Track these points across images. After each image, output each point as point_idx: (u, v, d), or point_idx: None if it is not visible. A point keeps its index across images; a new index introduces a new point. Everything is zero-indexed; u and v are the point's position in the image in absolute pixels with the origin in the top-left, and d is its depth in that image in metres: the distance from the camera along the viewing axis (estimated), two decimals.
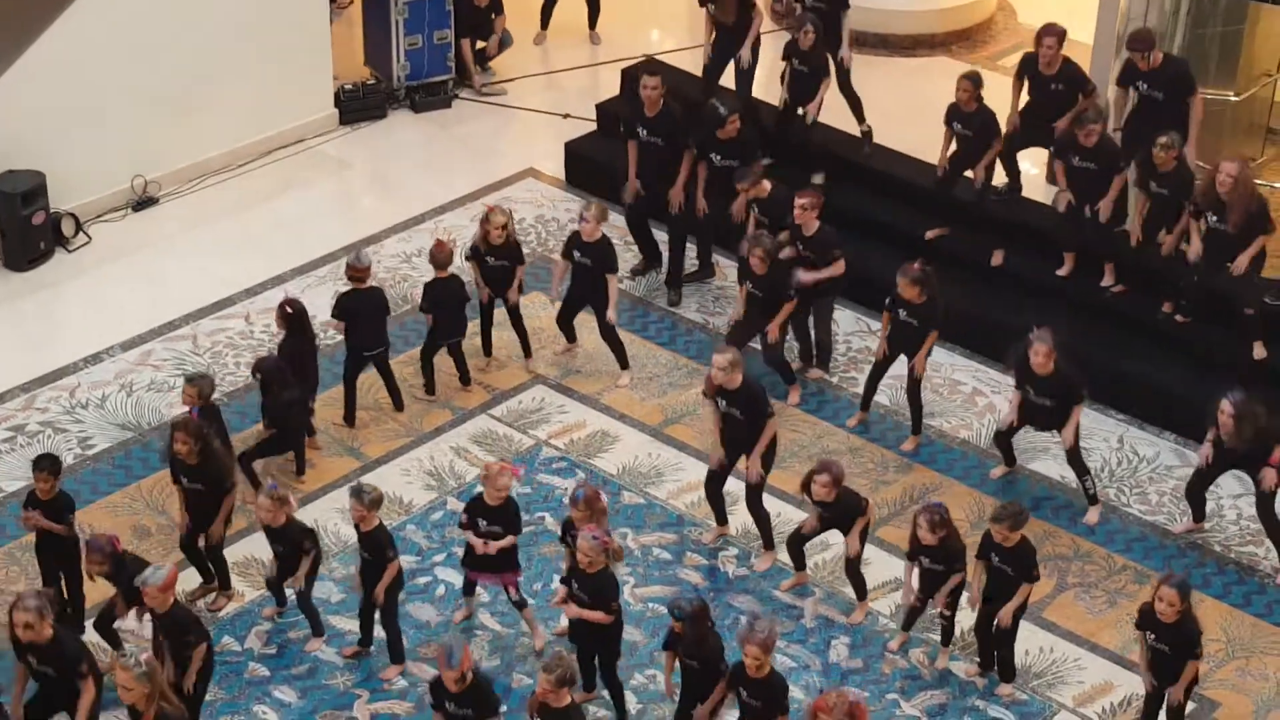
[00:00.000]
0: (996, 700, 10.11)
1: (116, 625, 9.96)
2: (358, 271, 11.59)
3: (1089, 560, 11.04)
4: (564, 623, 10.09)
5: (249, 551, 10.79)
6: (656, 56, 15.20)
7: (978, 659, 10.24)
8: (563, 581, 9.83)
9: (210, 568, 10.53)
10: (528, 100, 15.66)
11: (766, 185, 12.29)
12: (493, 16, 15.55)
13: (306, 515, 10.88)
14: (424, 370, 12.11)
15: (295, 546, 10.05)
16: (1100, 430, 12.02)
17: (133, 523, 11.06)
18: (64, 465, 10.40)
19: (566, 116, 15.23)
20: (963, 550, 10.02)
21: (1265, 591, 10.86)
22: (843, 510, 10.34)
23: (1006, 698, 10.11)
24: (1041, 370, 10.90)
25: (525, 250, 12.50)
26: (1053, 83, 12.60)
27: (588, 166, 14.39)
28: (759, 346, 12.11)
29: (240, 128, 14.55)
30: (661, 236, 13.28)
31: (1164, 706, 9.65)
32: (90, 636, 9.89)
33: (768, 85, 13.92)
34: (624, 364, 12.39)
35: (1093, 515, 11.29)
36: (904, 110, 14.19)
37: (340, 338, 11.89)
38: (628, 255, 13.29)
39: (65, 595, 10.10)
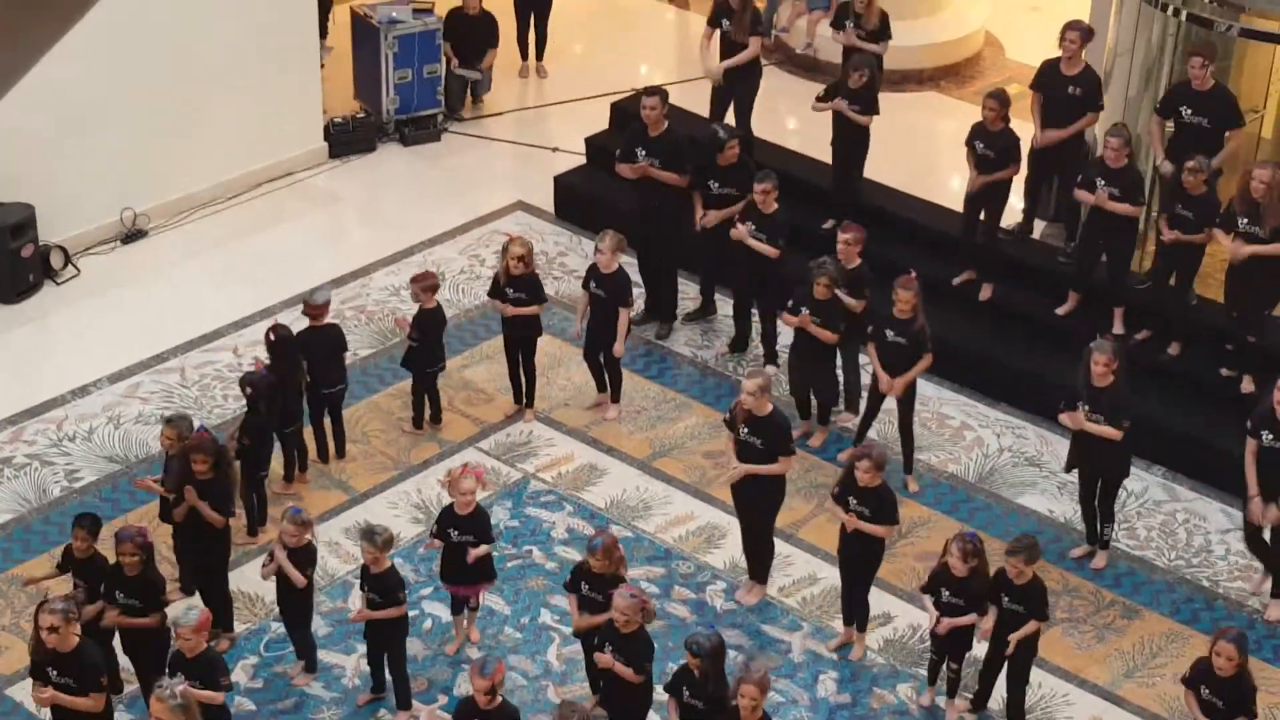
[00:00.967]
0: None
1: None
2: (314, 309, 11.50)
3: (1077, 595, 11.02)
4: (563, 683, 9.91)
5: (235, 585, 10.73)
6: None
7: (968, 694, 10.17)
8: (596, 645, 9.53)
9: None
10: (517, 134, 15.70)
11: (774, 204, 12.27)
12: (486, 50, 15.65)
13: None
14: (414, 404, 12.12)
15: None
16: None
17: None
18: (53, 499, 10.35)
19: (556, 150, 15.26)
20: (986, 593, 9.75)
21: (1255, 627, 10.85)
22: (879, 504, 10.09)
23: None
24: (1100, 381, 10.68)
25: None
26: (1071, 85, 12.40)
27: (577, 199, 14.42)
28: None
29: (229, 160, 14.57)
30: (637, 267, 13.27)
31: None
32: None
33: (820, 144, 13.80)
34: (615, 397, 12.38)
35: (1100, 560, 11.20)
36: (895, 145, 14.21)
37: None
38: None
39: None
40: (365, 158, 15.31)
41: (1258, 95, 13.14)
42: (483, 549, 10.07)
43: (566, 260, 13.96)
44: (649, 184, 12.85)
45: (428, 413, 12.16)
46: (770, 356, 12.71)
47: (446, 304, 13.23)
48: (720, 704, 9.09)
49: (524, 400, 12.31)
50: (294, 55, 14.71)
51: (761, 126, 14.17)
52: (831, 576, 10.56)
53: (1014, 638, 9.70)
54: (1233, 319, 11.86)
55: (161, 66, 13.85)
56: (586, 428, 12.26)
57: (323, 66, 15.16)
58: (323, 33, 15.42)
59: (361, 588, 9.94)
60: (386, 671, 10.05)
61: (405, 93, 15.42)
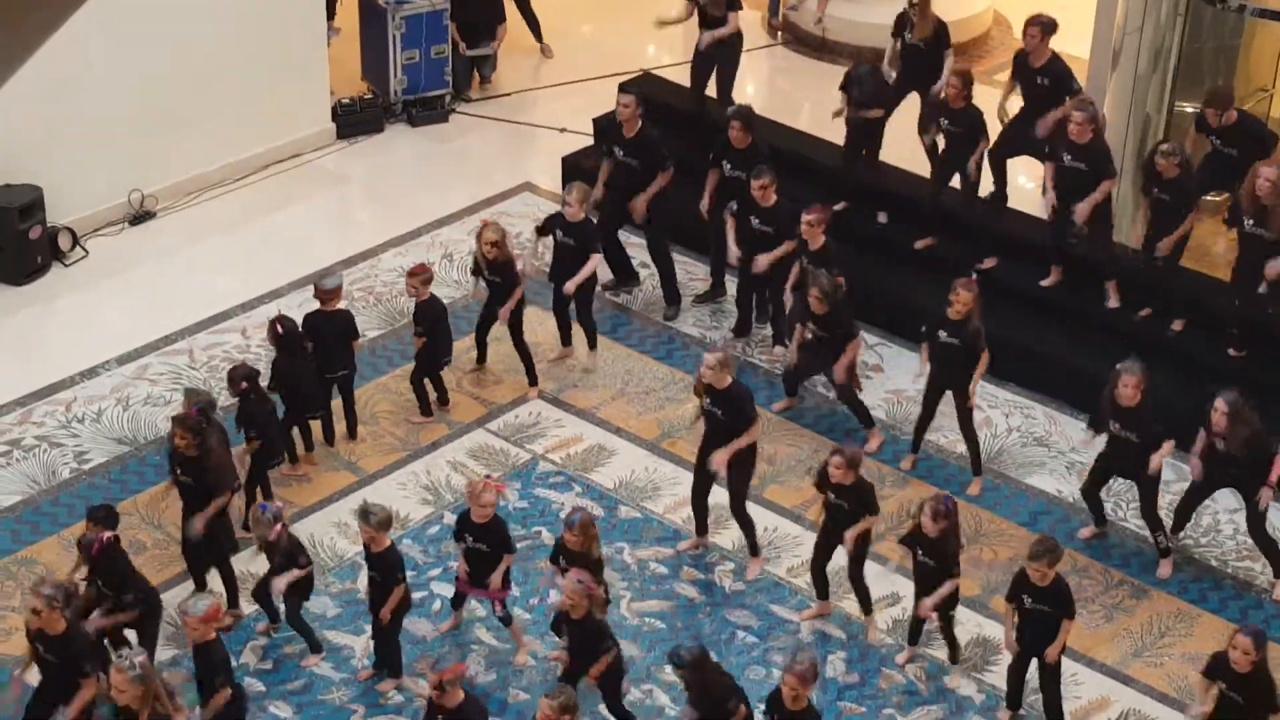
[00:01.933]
0: (993, 718, 10.08)
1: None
2: (325, 294, 11.54)
3: (1086, 575, 11.02)
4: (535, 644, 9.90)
5: (241, 567, 10.74)
6: (653, 71, 15.27)
7: (1006, 703, 10.05)
8: (552, 626, 9.75)
9: (203, 578, 10.50)
10: (524, 114, 15.68)
11: (773, 196, 12.27)
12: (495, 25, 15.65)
13: (302, 530, 10.88)
14: (416, 392, 12.12)
15: (289, 561, 10.04)
16: (1098, 444, 11.99)
17: (128, 537, 11.01)
18: (62, 481, 10.38)
19: (563, 131, 15.24)
20: (956, 554, 9.94)
21: (1262, 607, 10.85)
22: (855, 498, 10.22)
23: None
24: (1128, 402, 10.67)
25: (520, 266, 12.46)
26: (1039, 76, 12.50)
27: (585, 180, 14.33)
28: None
29: (237, 142, 14.56)
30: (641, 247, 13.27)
31: None
32: None
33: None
34: (591, 344, 12.54)
35: (1165, 569, 11.05)
36: (904, 123, 14.16)
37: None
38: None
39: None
40: (373, 139, 15.29)
41: (1266, 75, 13.14)
42: (503, 565, 10.12)
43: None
44: (627, 179, 12.87)
45: (433, 397, 12.16)
46: (778, 337, 12.71)
47: (454, 285, 13.26)
48: (722, 705, 9.10)
49: (530, 379, 12.36)
50: (301, 36, 14.69)
51: (768, 106, 14.13)
52: (839, 557, 10.57)
53: (1054, 650, 9.60)
54: (1234, 305, 11.85)
55: (168, 48, 13.83)
56: (595, 409, 12.27)
57: (330, 47, 15.13)
58: (330, 14, 15.39)
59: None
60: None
61: (413, 73, 15.40)
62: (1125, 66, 13.26)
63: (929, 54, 13.14)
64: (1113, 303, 12.38)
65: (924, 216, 13.00)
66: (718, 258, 13.21)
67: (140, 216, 14.10)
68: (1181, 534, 11.25)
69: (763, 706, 9.25)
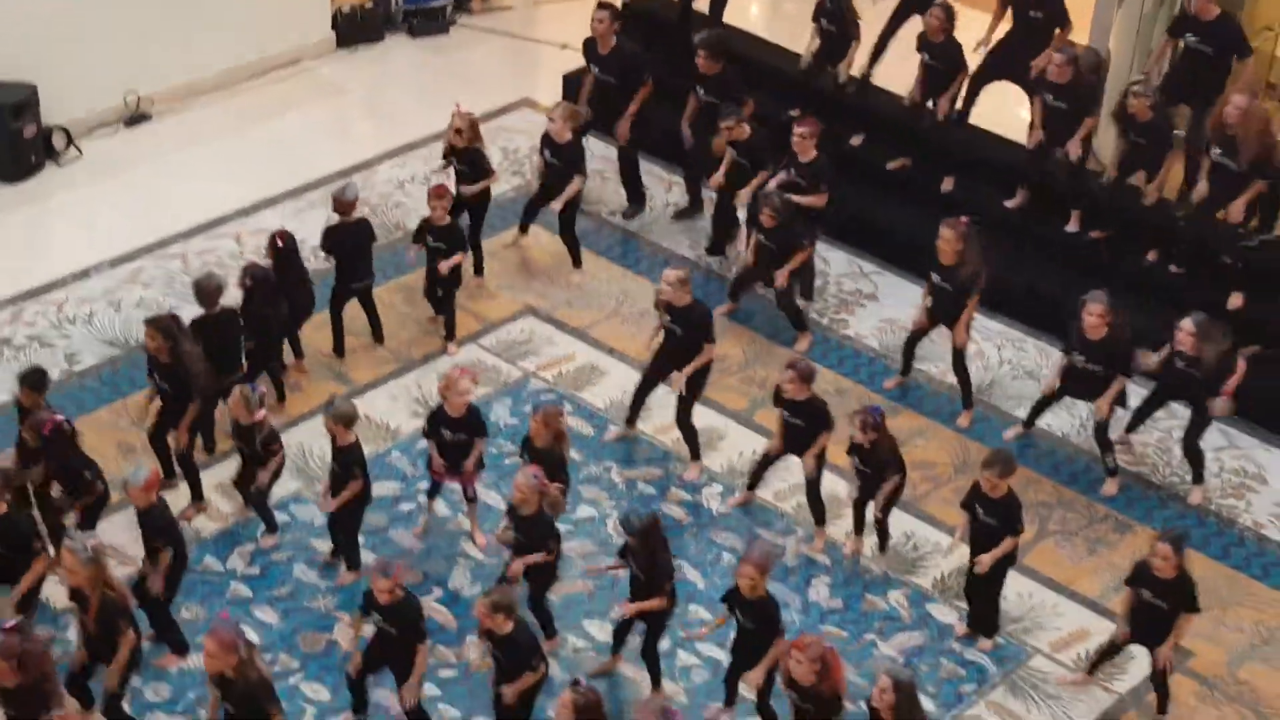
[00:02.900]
0: (973, 643, 10.16)
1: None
2: (344, 204, 11.49)
3: (1070, 508, 11.08)
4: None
5: (232, 474, 10.75)
6: None
7: (966, 617, 10.20)
8: (508, 512, 9.73)
9: (175, 469, 10.54)
10: (526, 29, 15.57)
11: (746, 129, 12.25)
12: None
13: (292, 438, 10.89)
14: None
15: (263, 448, 10.12)
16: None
17: (118, 439, 11.05)
18: (52, 381, 10.37)
19: (564, 47, 15.15)
20: (893, 459, 10.17)
21: (1244, 544, 10.92)
22: (809, 416, 10.34)
23: (985, 651, 10.10)
24: (1094, 334, 10.72)
25: (518, 180, 12.46)
26: (1031, 9, 12.45)
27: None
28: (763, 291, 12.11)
29: (236, 47, 14.46)
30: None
31: (1152, 670, 9.55)
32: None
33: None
34: (576, 263, 12.63)
35: (1110, 487, 11.18)
36: (898, 49, 14.07)
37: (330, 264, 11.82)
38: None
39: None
40: (373, 48, 15.20)
41: (1271, 13, 13.07)
42: (476, 451, 10.16)
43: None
44: (605, 96, 12.87)
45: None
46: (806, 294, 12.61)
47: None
48: (655, 583, 9.28)
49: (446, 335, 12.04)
50: None
51: (769, 28, 14.04)
52: (827, 482, 10.61)
53: (986, 559, 9.73)
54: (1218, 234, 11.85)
55: None
56: (588, 328, 12.27)
57: None
58: None
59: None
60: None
61: None
62: (1131, 4, 13.18)
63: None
64: (1072, 225, 12.40)
65: (899, 138, 13.02)
66: (693, 181, 13.22)
67: (135, 118, 14.02)
68: (1143, 446, 11.38)
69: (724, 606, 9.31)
